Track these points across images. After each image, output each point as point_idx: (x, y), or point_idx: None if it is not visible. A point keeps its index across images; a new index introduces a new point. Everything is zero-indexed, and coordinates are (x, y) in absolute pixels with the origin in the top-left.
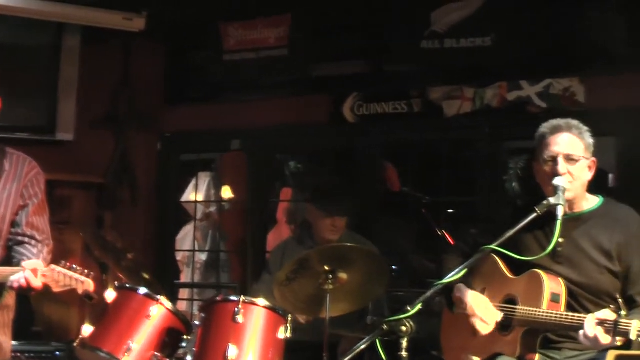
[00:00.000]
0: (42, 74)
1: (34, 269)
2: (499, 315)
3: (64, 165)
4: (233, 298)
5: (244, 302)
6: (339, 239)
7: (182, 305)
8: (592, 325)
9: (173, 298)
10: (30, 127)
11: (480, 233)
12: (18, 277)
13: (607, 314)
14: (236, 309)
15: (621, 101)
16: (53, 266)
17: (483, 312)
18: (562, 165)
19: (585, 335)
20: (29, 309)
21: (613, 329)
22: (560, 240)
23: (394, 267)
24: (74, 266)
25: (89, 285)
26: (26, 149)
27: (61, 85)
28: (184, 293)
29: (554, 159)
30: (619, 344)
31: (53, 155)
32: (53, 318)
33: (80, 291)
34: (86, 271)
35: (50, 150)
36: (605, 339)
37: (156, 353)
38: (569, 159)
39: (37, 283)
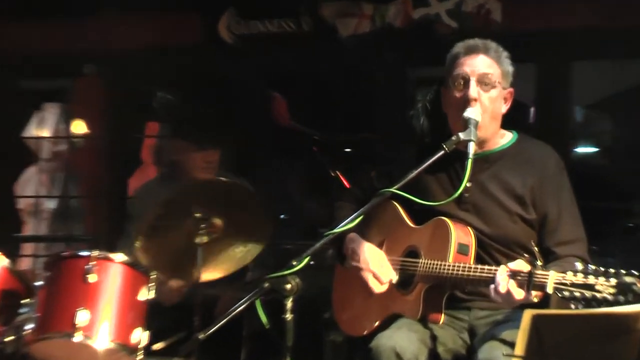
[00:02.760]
0: None
1: None
2: (394, 275)
3: None
4: (83, 253)
5: (96, 257)
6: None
7: (26, 263)
8: (504, 278)
9: (13, 254)
10: None
11: (379, 175)
12: None
13: (521, 264)
14: (87, 266)
15: (543, 22)
16: None
17: (377, 267)
18: (473, 89)
19: (496, 291)
20: None
21: (527, 281)
22: (468, 184)
23: (281, 215)
24: None
25: None
26: None
27: None
28: (28, 249)
29: (466, 81)
30: (535, 300)
31: None
32: None
33: None
34: None
35: None
36: (519, 294)
37: None
38: (483, 82)
39: None
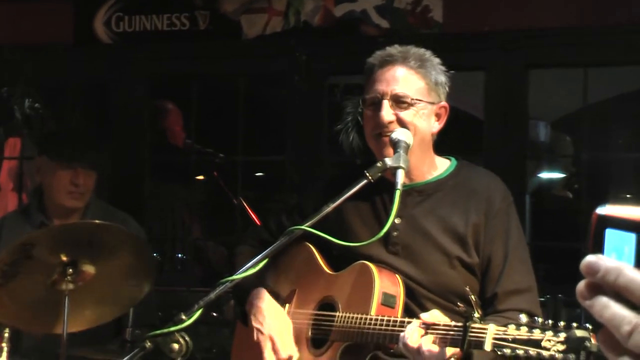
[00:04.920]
0: None
1: None
2: (295, 353)
3: None
4: None
5: None
6: (85, 210)
7: None
8: (416, 330)
9: None
10: None
11: (290, 209)
12: None
13: (437, 315)
14: None
15: (494, 21)
16: None
17: (279, 336)
18: (386, 110)
19: (405, 345)
20: None
21: (461, 336)
22: (397, 221)
23: (179, 255)
24: None
25: None
26: None
27: None
28: None
29: (377, 101)
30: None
31: None
32: None
33: None
34: None
35: None
36: (433, 351)
37: None
38: (398, 100)
39: None
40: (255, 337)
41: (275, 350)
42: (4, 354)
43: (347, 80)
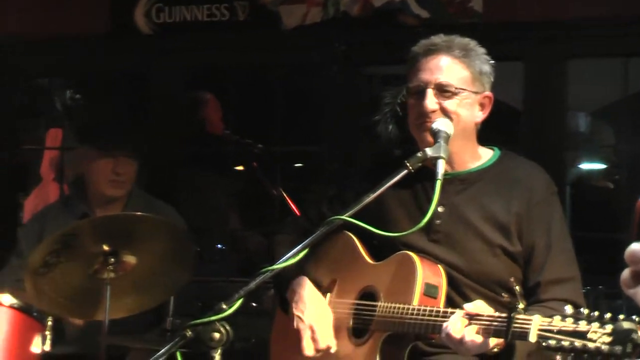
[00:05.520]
0: None
1: None
2: (334, 344)
3: None
4: None
5: None
6: (127, 201)
7: None
8: (459, 320)
9: None
10: None
11: (330, 198)
12: None
13: (481, 306)
14: None
15: (534, 11)
16: None
17: (319, 326)
18: (429, 99)
19: (449, 335)
20: None
21: (506, 327)
22: (439, 209)
23: (219, 245)
24: None
25: None
26: None
27: None
28: None
29: (421, 90)
30: (495, 350)
31: None
32: None
33: None
34: None
35: None
36: (476, 341)
37: None
38: (441, 89)
39: None
40: (295, 325)
41: (314, 339)
42: (48, 342)
43: (385, 71)
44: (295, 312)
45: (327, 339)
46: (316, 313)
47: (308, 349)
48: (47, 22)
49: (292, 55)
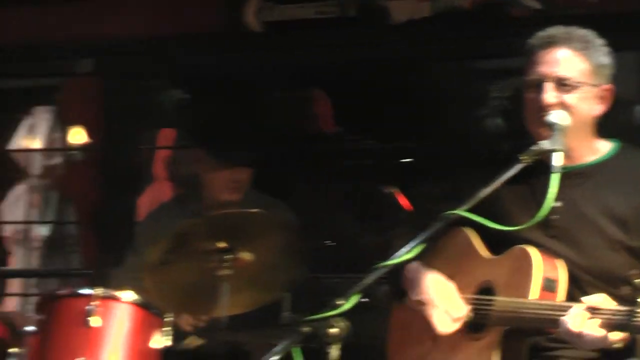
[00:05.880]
0: None
1: None
2: (465, 310)
3: None
4: (84, 291)
5: (100, 296)
6: (241, 201)
7: (12, 303)
8: (580, 313)
9: None
10: None
11: (444, 193)
12: None
13: (602, 299)
14: (89, 307)
15: None
16: None
17: (445, 301)
18: (548, 93)
19: (567, 328)
20: None
21: (626, 321)
22: (556, 204)
23: (327, 242)
24: None
25: None
26: None
27: None
28: (14, 285)
29: (539, 84)
30: (619, 345)
31: None
32: None
33: None
34: None
35: None
36: (597, 335)
37: None
38: (560, 83)
39: None
40: (418, 309)
41: (447, 312)
42: (167, 338)
43: (494, 65)
44: (417, 296)
45: (458, 310)
46: (439, 290)
47: (441, 325)
48: (158, 23)
49: (401, 50)
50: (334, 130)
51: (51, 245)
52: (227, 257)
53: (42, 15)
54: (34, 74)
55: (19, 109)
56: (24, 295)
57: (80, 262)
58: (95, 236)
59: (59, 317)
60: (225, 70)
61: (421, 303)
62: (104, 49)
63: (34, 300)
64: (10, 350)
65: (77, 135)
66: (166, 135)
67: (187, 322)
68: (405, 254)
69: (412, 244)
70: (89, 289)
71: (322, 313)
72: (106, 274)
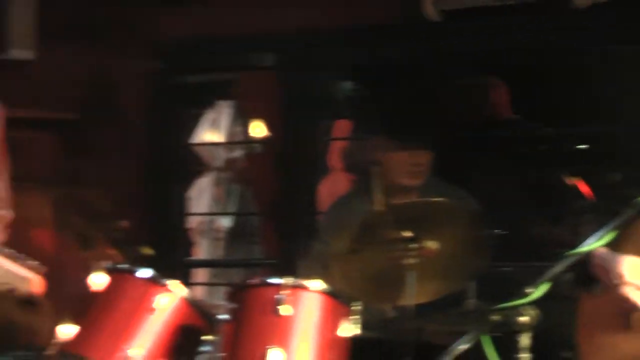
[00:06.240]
0: None
1: None
2: None
3: (19, 96)
4: (273, 281)
5: (290, 285)
6: (423, 187)
7: (197, 292)
8: None
9: (184, 282)
10: None
11: (629, 179)
12: None
13: None
14: (278, 296)
15: None
16: None
17: None
18: None
19: None
20: None
21: None
22: None
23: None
24: (16, 253)
25: (35, 284)
26: None
27: None
28: (199, 275)
29: None
30: None
31: (3, 81)
32: (15, 316)
33: (20, 292)
34: (35, 263)
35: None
36: None
37: None
38: None
39: None
40: (610, 300)
41: None
42: (356, 326)
43: None
44: (615, 281)
45: None
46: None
47: None
48: (334, 16)
49: (582, 36)
50: (511, 117)
51: (234, 235)
52: (413, 246)
53: (223, 11)
54: (216, 68)
55: (201, 103)
56: (209, 284)
57: (261, 252)
58: (275, 227)
59: (250, 305)
60: (404, 59)
61: (616, 286)
62: (281, 42)
63: (217, 289)
64: (205, 337)
65: (257, 129)
66: (341, 127)
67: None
68: (596, 241)
69: (601, 231)
70: (278, 278)
71: (511, 301)
72: (290, 264)
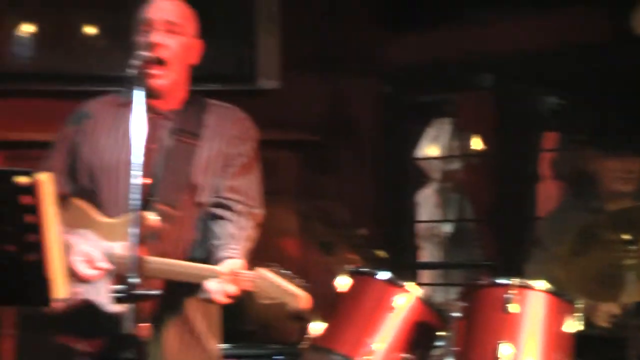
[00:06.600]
0: (234, 9)
1: (232, 273)
2: None
3: (267, 121)
4: (501, 281)
5: (517, 285)
6: (636, 191)
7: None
8: None
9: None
10: (223, 76)
11: None
12: (212, 287)
13: None
14: (507, 295)
15: None
16: (262, 271)
17: None
18: None
19: None
20: (237, 304)
21: None
22: None
23: None
24: (287, 272)
25: (304, 301)
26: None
27: (258, 20)
28: (424, 276)
29: None
30: None
31: (253, 108)
32: (270, 314)
33: (291, 308)
34: (302, 281)
35: (250, 103)
36: None
37: (405, 355)
38: None
39: (233, 290)
40: None
41: None
42: (579, 323)
43: None
44: None
45: None
46: None
47: None
48: (543, 37)
49: None
50: None
51: (454, 240)
52: (632, 247)
53: (443, 37)
54: (439, 89)
55: (424, 121)
56: (434, 284)
57: (479, 255)
58: (492, 231)
59: (480, 304)
60: (612, 75)
61: None
62: (498, 63)
63: (441, 289)
64: (439, 333)
65: (475, 143)
66: (549, 138)
67: (602, 317)
68: None
69: None
70: (506, 279)
71: None
72: (507, 265)
